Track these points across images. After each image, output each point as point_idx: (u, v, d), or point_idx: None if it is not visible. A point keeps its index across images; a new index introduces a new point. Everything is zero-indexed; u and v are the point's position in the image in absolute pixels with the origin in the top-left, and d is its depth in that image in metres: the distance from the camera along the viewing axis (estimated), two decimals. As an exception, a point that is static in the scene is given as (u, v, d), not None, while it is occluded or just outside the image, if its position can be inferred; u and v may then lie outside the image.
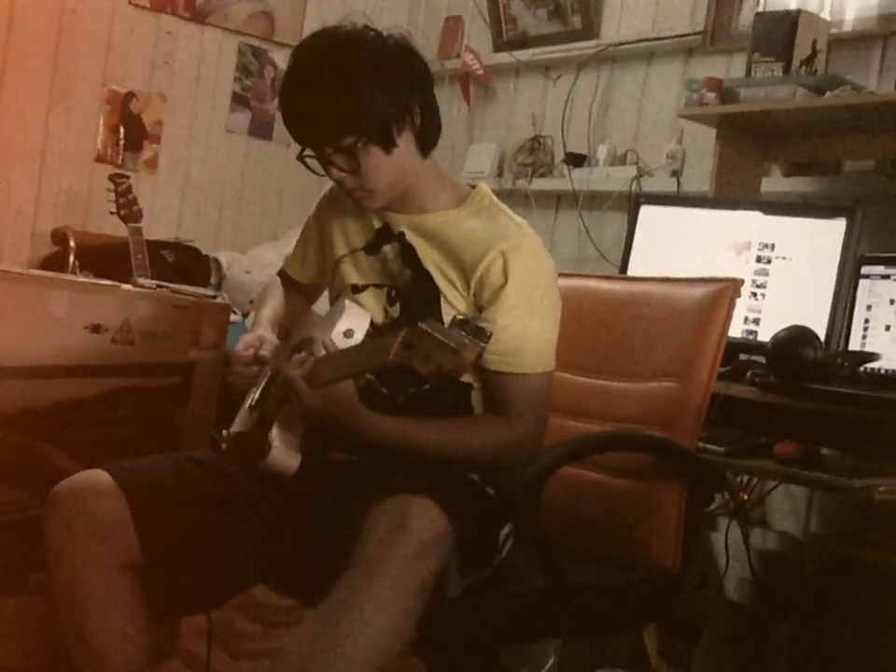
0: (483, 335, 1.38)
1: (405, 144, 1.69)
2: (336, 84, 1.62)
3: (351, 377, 1.61)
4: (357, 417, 1.62)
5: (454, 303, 1.70)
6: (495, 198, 1.81)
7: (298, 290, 2.01)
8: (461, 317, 1.41)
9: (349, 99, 1.61)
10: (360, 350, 1.62)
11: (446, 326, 1.40)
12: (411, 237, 1.75)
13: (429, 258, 1.73)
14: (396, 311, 1.75)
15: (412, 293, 1.74)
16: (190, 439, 2.28)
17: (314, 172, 1.75)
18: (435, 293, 1.72)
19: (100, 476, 1.65)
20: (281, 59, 3.96)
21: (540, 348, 1.70)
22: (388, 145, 1.66)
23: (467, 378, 1.72)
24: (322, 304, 1.99)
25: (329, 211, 1.89)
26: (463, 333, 1.37)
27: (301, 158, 1.72)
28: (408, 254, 1.75)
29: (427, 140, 1.73)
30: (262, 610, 2.44)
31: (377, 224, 1.80)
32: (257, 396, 1.79)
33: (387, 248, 1.78)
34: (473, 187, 1.82)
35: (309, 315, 1.96)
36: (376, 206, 1.76)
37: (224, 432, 1.84)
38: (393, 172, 1.70)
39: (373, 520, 1.48)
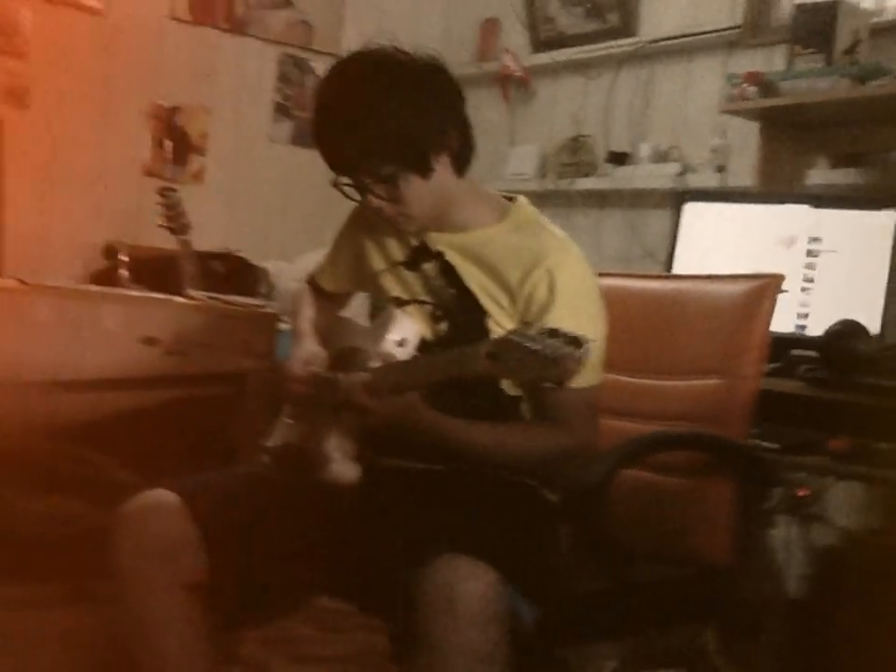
0: (579, 343, 1.35)
1: (441, 167, 1.68)
2: (369, 113, 1.61)
3: (418, 388, 1.61)
4: (423, 423, 1.63)
5: (500, 322, 1.69)
6: (534, 211, 1.79)
7: (328, 299, 2.01)
8: (549, 327, 1.38)
9: (383, 128, 1.60)
10: (429, 361, 1.62)
11: (533, 335, 1.37)
12: (450, 256, 1.75)
13: (472, 277, 1.73)
14: (442, 329, 1.75)
15: (457, 312, 1.74)
16: (246, 447, 2.31)
17: (350, 199, 1.75)
18: (481, 312, 1.71)
19: (165, 496, 1.64)
20: (321, 67, 3.98)
21: (591, 363, 1.69)
22: (426, 171, 1.66)
23: (515, 391, 1.73)
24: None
25: (363, 224, 1.87)
26: (559, 343, 1.35)
27: (337, 185, 1.72)
28: (449, 273, 1.75)
29: (462, 160, 1.72)
30: (322, 615, 2.46)
31: (414, 241, 1.79)
32: (300, 408, 1.80)
33: (427, 266, 1.77)
34: (510, 199, 1.81)
35: (345, 323, 1.96)
36: (414, 229, 1.76)
37: (267, 444, 1.86)
38: (431, 196, 1.69)
39: (424, 588, 1.44)
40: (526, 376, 1.37)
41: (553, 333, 1.36)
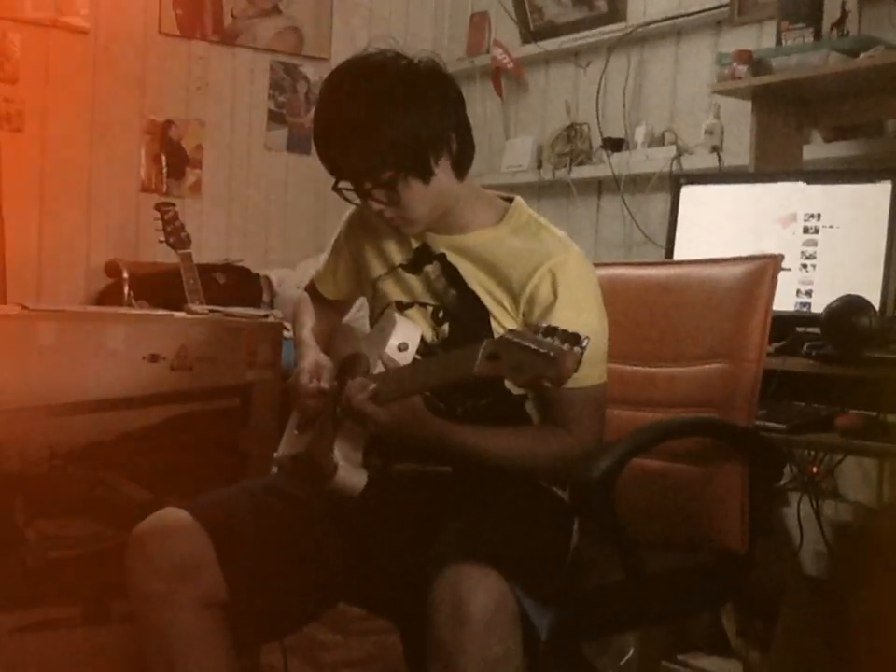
0: (577, 341, 1.34)
1: (442, 171, 1.68)
2: (373, 119, 1.60)
3: (421, 392, 1.61)
4: (427, 428, 1.63)
5: (503, 322, 1.70)
6: (532, 212, 1.79)
7: (328, 305, 2.01)
8: (547, 325, 1.38)
9: (386, 134, 1.60)
10: (429, 364, 1.62)
11: (530, 334, 1.37)
12: (452, 258, 1.75)
13: (474, 278, 1.73)
14: (445, 330, 1.74)
15: (460, 313, 1.73)
16: (256, 459, 2.32)
17: (350, 202, 1.75)
18: (484, 313, 1.71)
19: (179, 515, 1.64)
20: (312, 72, 4.00)
21: (595, 360, 1.67)
22: (427, 175, 1.66)
23: (520, 390, 1.72)
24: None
25: (361, 228, 1.88)
26: (556, 341, 1.34)
27: (337, 190, 1.72)
28: (451, 274, 1.75)
29: (462, 163, 1.72)
30: (342, 621, 2.47)
31: (415, 244, 1.79)
32: (306, 418, 1.80)
33: (429, 268, 1.77)
34: (509, 199, 1.81)
35: (346, 330, 1.96)
36: (415, 232, 1.76)
37: (274, 455, 1.86)
38: (432, 200, 1.69)
39: (435, 596, 1.43)
40: (526, 376, 1.37)
41: (551, 331, 1.36)
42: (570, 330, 1.36)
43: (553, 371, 1.33)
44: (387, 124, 1.60)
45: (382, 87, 1.63)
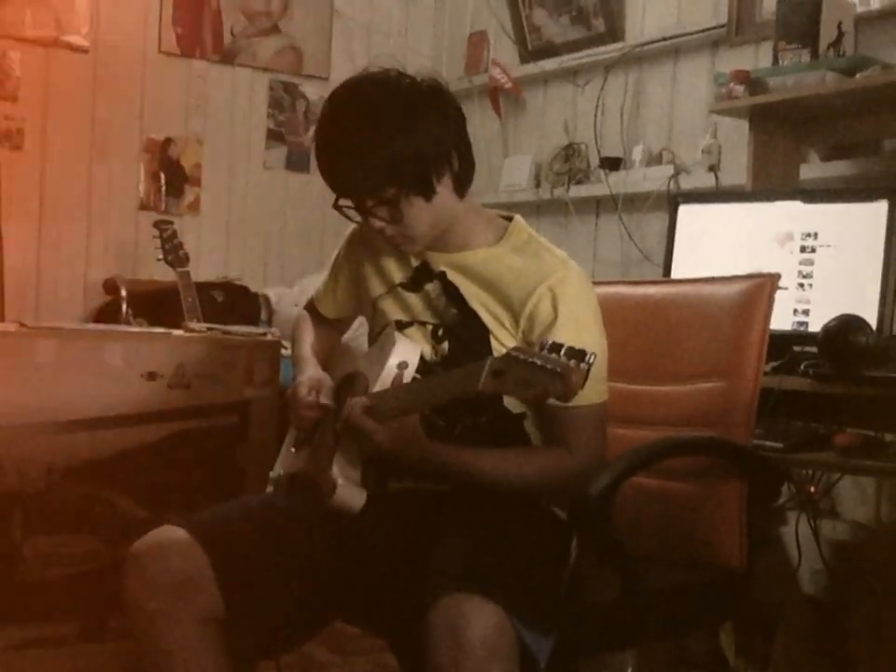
0: (583, 357, 1.34)
1: (444, 188, 1.68)
2: (375, 137, 1.61)
3: (422, 409, 1.62)
4: (422, 449, 1.64)
5: (503, 341, 1.70)
6: (532, 231, 1.80)
7: (328, 324, 2.01)
8: (552, 342, 1.38)
9: (389, 152, 1.60)
10: (432, 382, 1.62)
11: (536, 351, 1.37)
12: (452, 276, 1.75)
13: (474, 296, 1.73)
14: (444, 348, 1.74)
15: (460, 331, 1.73)
16: (253, 476, 2.32)
17: (351, 220, 1.76)
18: (484, 331, 1.71)
19: (176, 532, 1.63)
20: (312, 91, 4.01)
21: (596, 378, 1.65)
22: (429, 193, 1.66)
23: (520, 408, 1.73)
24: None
25: (361, 248, 1.88)
26: (562, 357, 1.34)
27: (337, 207, 1.72)
28: (451, 292, 1.75)
29: (463, 181, 1.72)
30: (339, 640, 2.46)
31: (415, 262, 1.79)
32: (303, 435, 1.80)
33: (429, 287, 1.77)
34: (508, 218, 1.81)
35: (345, 349, 1.96)
36: (416, 250, 1.76)
37: (271, 474, 1.86)
38: (433, 217, 1.70)
39: (430, 623, 1.42)
40: (531, 392, 1.36)
41: (556, 348, 1.36)
42: (576, 347, 1.36)
43: (560, 386, 1.33)
44: (390, 142, 1.61)
45: (385, 105, 1.63)
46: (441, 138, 1.66)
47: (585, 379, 1.34)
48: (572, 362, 1.33)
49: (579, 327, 1.68)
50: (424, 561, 1.51)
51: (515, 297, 1.70)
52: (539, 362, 1.34)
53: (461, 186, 1.72)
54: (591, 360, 1.34)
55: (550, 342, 1.38)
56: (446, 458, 1.65)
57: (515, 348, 1.43)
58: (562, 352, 1.35)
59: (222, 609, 1.60)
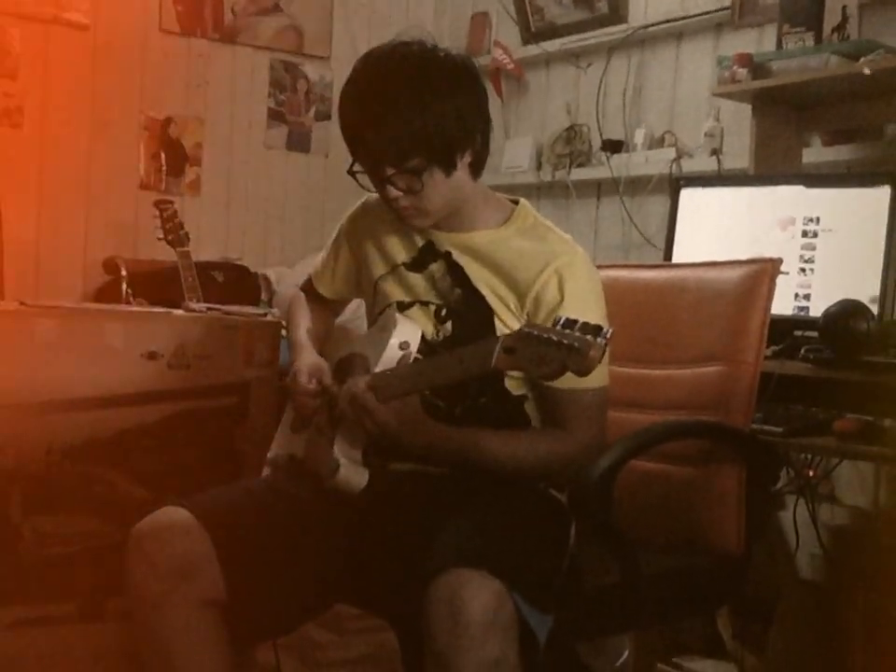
0: (598, 332, 1.34)
1: (462, 166, 1.68)
2: (412, 102, 1.59)
3: (427, 388, 1.62)
4: (424, 430, 1.64)
5: (507, 322, 1.70)
6: (537, 214, 1.80)
7: (324, 304, 2.00)
8: (566, 318, 1.37)
9: (423, 119, 1.59)
10: (439, 361, 1.61)
11: (550, 328, 1.37)
12: (458, 256, 1.75)
13: (480, 277, 1.73)
14: (447, 329, 1.74)
15: (464, 312, 1.73)
16: (252, 457, 2.31)
17: (363, 187, 1.74)
18: (488, 312, 1.71)
19: (179, 513, 1.62)
20: (312, 71, 3.99)
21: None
22: (451, 168, 1.66)
23: (520, 389, 1.73)
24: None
25: (362, 227, 1.87)
26: (577, 332, 1.34)
27: (352, 172, 1.71)
28: (456, 273, 1.74)
29: (480, 163, 1.72)
30: (337, 619, 2.46)
31: (420, 241, 1.78)
32: (301, 417, 1.80)
33: (434, 267, 1.76)
34: (515, 202, 1.81)
35: (342, 331, 1.96)
36: (425, 225, 1.75)
37: (268, 455, 1.85)
38: (449, 193, 1.69)
39: (430, 599, 1.42)
40: (549, 368, 1.36)
41: (570, 324, 1.36)
42: (591, 323, 1.35)
43: (579, 361, 1.32)
44: (426, 110, 1.59)
45: (422, 73, 1.62)
46: (471, 115, 1.65)
47: (603, 354, 1.34)
48: (589, 337, 1.33)
49: (585, 309, 1.66)
50: (424, 540, 1.51)
51: (521, 279, 1.70)
52: (555, 338, 1.34)
53: (477, 167, 1.72)
54: (608, 334, 1.34)
55: (564, 318, 1.38)
56: (448, 439, 1.65)
57: (528, 324, 1.43)
58: (576, 328, 1.35)
59: (223, 592, 1.60)
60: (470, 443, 1.65)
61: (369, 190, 1.76)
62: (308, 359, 1.81)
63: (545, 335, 1.36)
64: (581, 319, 1.39)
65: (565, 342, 1.33)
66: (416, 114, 1.59)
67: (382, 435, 1.63)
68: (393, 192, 1.67)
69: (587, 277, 1.72)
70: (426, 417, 1.64)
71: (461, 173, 1.68)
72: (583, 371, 1.34)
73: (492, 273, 1.73)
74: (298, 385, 1.77)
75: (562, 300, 1.67)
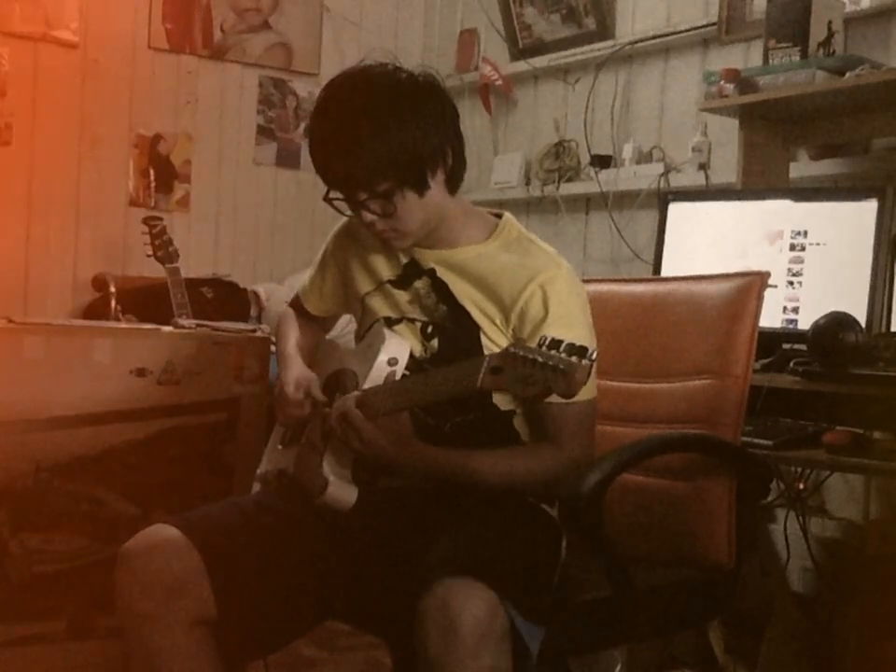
0: (584, 353, 1.34)
1: (437, 184, 1.68)
2: (374, 129, 1.59)
3: (416, 406, 1.61)
4: (413, 449, 1.64)
5: (493, 338, 1.70)
6: (522, 228, 1.80)
7: (313, 320, 2.00)
8: (551, 338, 1.38)
9: (387, 145, 1.59)
10: (426, 378, 1.61)
11: (536, 348, 1.37)
12: (442, 273, 1.75)
13: (464, 293, 1.73)
14: (434, 345, 1.74)
15: (450, 328, 1.73)
16: (241, 473, 2.31)
17: (341, 213, 1.74)
18: (474, 328, 1.71)
19: (169, 532, 1.62)
20: (301, 87, 4.00)
21: None
22: (423, 188, 1.66)
23: (509, 405, 1.72)
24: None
25: (348, 244, 1.87)
26: (563, 353, 1.34)
27: (328, 200, 1.71)
28: (441, 289, 1.74)
29: (455, 178, 1.72)
30: (328, 636, 2.46)
31: (404, 259, 1.79)
32: (290, 433, 1.79)
33: (419, 284, 1.76)
34: (498, 216, 1.81)
35: (330, 346, 1.95)
36: (405, 246, 1.75)
37: (258, 471, 1.85)
38: (425, 213, 1.69)
39: (423, 610, 1.42)
40: (534, 390, 1.36)
41: (555, 344, 1.36)
42: (577, 343, 1.36)
43: (564, 383, 1.33)
44: (388, 135, 1.60)
45: (383, 98, 1.63)
46: (437, 133, 1.65)
47: (588, 375, 1.34)
48: (574, 358, 1.33)
49: (569, 324, 1.67)
50: (416, 554, 1.51)
51: (506, 294, 1.70)
52: (540, 359, 1.34)
53: (453, 182, 1.72)
54: (593, 357, 1.34)
55: (549, 338, 1.38)
56: (436, 464, 1.64)
57: (514, 345, 1.42)
58: (561, 348, 1.35)
59: (213, 610, 1.59)
60: (459, 467, 1.64)
61: (346, 216, 1.76)
62: (295, 371, 1.81)
63: (531, 356, 1.36)
64: (567, 336, 1.40)
65: (550, 363, 1.33)
66: (379, 140, 1.59)
67: (369, 454, 1.62)
68: (368, 217, 1.68)
69: (572, 292, 1.72)
70: (415, 439, 1.64)
71: (436, 191, 1.68)
72: (568, 394, 1.35)
73: (476, 289, 1.73)
74: (285, 395, 1.76)
75: (546, 315, 1.67)
